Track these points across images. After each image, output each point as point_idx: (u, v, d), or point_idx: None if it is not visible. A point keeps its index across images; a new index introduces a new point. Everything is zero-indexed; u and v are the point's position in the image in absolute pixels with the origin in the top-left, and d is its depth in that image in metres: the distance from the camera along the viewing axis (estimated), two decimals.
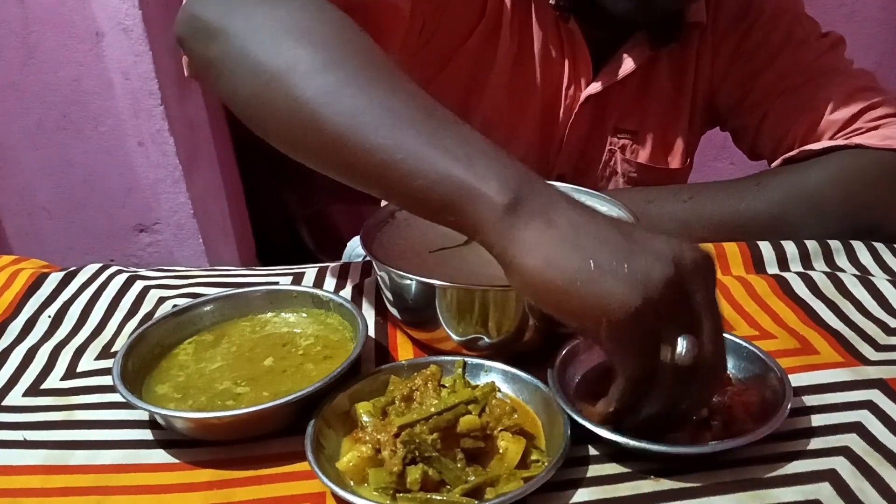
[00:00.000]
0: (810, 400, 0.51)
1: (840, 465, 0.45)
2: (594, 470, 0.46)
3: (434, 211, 0.45)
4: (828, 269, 0.67)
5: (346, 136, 0.46)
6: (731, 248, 0.71)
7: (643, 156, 0.87)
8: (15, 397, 0.55)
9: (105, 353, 0.60)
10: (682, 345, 0.41)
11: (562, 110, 0.85)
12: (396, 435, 0.45)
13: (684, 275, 0.41)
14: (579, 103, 0.83)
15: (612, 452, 0.47)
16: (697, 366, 0.42)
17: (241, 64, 0.50)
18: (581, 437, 0.47)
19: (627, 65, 0.81)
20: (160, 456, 0.49)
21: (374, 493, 0.44)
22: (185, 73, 0.60)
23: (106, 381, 0.56)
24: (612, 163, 0.88)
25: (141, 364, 0.54)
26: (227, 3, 0.52)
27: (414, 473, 0.43)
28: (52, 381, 0.57)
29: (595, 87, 0.82)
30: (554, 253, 0.41)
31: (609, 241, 0.41)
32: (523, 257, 0.42)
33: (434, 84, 0.82)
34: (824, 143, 0.77)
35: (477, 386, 0.50)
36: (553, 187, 0.45)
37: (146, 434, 0.51)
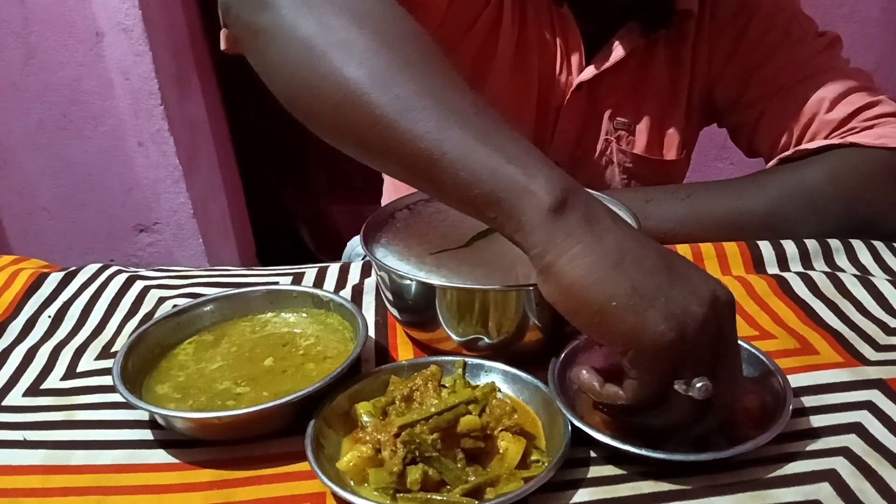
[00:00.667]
0: (810, 400, 0.51)
1: (840, 465, 0.45)
2: (594, 471, 0.46)
3: (477, 206, 0.45)
4: (828, 269, 0.67)
5: (395, 121, 0.45)
6: (731, 248, 0.71)
7: (639, 146, 0.88)
8: (15, 397, 0.55)
9: (105, 353, 0.60)
10: (698, 384, 0.42)
11: (555, 97, 0.85)
12: (397, 435, 0.45)
13: (717, 316, 0.42)
14: (571, 89, 0.84)
15: (612, 454, 0.47)
16: (708, 402, 0.43)
17: (292, 36, 0.49)
18: (581, 437, 0.47)
19: (618, 51, 0.82)
20: (160, 456, 0.49)
21: (375, 493, 0.44)
22: (222, 47, 0.59)
23: (106, 381, 0.56)
24: (607, 152, 0.88)
25: (141, 364, 0.54)
26: None
27: (414, 473, 0.43)
28: (52, 381, 0.57)
29: (588, 72, 0.83)
30: (595, 270, 0.41)
31: (651, 269, 0.42)
32: (562, 267, 0.42)
33: None
34: (820, 142, 0.77)
35: (477, 386, 0.50)
36: (598, 199, 0.45)
37: (146, 434, 0.51)
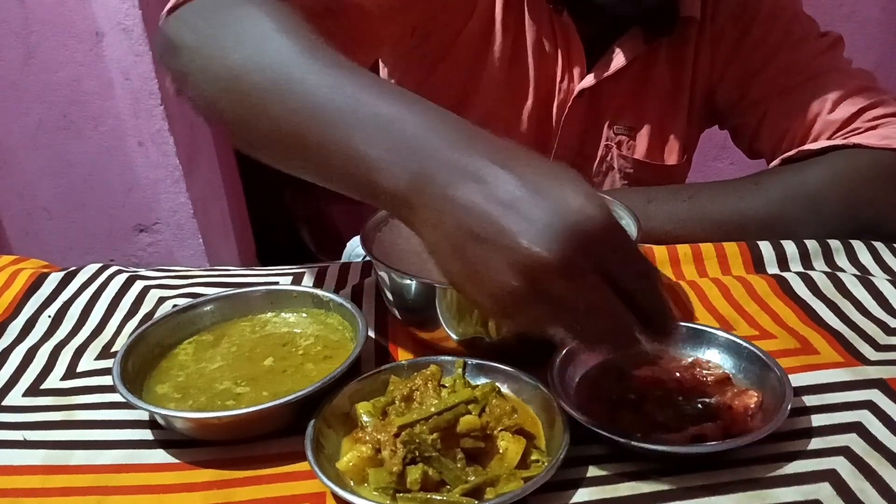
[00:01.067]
0: (810, 400, 0.51)
1: (840, 465, 0.45)
2: (594, 470, 0.46)
3: (352, 193, 0.46)
4: (828, 269, 0.67)
5: (267, 130, 0.49)
6: (731, 248, 0.71)
7: (640, 152, 0.87)
8: (15, 397, 0.55)
9: (105, 353, 0.60)
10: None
11: (556, 104, 0.85)
12: (396, 435, 0.45)
13: (536, 282, 0.38)
14: (573, 97, 0.83)
15: (612, 452, 0.47)
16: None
17: (194, 74, 0.54)
18: (581, 437, 0.47)
19: (620, 59, 0.82)
20: (160, 456, 0.49)
21: (374, 493, 0.44)
22: (171, 92, 0.62)
23: (106, 381, 0.56)
24: (608, 158, 0.88)
25: (141, 364, 0.55)
26: (181, 18, 0.57)
27: (414, 473, 0.43)
28: (52, 381, 0.57)
29: (588, 80, 0.83)
30: (437, 254, 0.42)
31: (476, 243, 0.39)
32: (423, 244, 0.43)
33: (430, 81, 0.84)
34: (823, 143, 0.77)
35: (477, 386, 0.50)
36: (449, 165, 0.41)
37: (146, 434, 0.51)
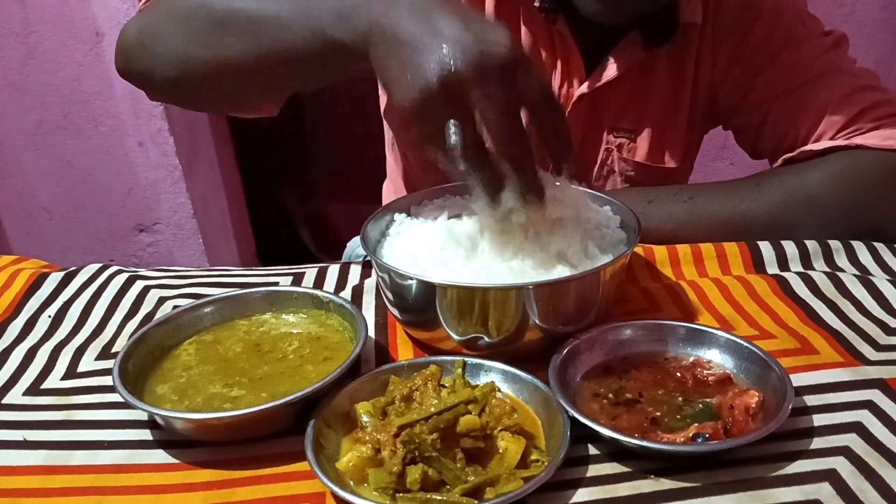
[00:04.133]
0: (810, 400, 0.51)
1: (840, 465, 0.45)
2: (594, 469, 0.46)
3: (313, 63, 0.57)
4: (828, 269, 0.67)
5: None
6: (732, 248, 0.71)
7: (640, 155, 0.87)
8: (15, 397, 0.55)
9: (105, 353, 0.60)
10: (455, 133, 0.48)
11: None
12: (396, 435, 0.45)
13: (463, 74, 0.47)
14: (572, 102, 0.84)
15: (612, 452, 0.47)
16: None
17: (161, 34, 0.68)
18: (581, 436, 0.47)
19: (619, 65, 0.82)
20: (160, 456, 0.49)
21: (374, 493, 0.44)
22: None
23: (106, 381, 0.56)
24: (609, 162, 0.88)
25: (142, 365, 0.55)
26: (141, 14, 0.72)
27: (414, 473, 0.43)
28: (53, 381, 0.57)
29: (586, 86, 0.83)
30: (387, 70, 0.51)
31: (408, 46, 0.49)
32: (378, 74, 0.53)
33: None
34: (825, 144, 0.77)
35: (477, 386, 0.50)
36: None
37: (146, 434, 0.51)
